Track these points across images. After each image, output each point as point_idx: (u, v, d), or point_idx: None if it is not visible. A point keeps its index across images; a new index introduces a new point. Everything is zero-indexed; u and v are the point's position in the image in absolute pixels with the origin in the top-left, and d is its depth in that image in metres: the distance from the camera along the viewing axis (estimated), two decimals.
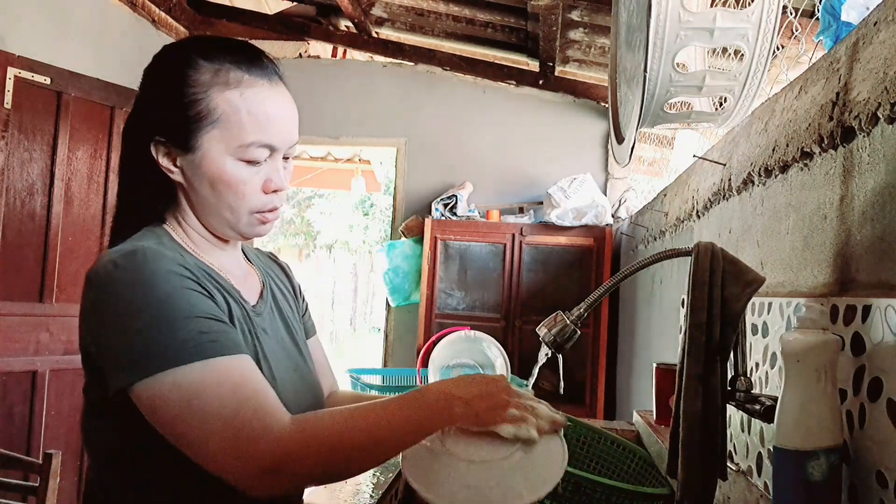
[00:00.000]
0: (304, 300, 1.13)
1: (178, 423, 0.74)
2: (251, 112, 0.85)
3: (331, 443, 0.75)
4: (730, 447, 1.07)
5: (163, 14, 3.63)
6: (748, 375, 0.86)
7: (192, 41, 0.91)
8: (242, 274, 0.98)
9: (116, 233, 0.91)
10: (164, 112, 0.86)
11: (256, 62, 0.89)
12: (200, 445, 0.73)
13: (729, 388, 0.85)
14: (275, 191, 0.89)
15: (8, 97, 2.69)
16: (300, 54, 4.03)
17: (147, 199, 0.90)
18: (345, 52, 4.31)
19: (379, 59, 3.91)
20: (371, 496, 1.08)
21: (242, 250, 1.02)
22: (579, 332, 0.92)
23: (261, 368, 0.86)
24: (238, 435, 0.72)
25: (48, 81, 2.83)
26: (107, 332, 0.77)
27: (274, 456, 0.72)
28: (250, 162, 0.86)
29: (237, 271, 0.96)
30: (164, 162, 0.87)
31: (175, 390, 0.74)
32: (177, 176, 0.88)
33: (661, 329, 2.12)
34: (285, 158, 0.92)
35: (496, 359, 2.88)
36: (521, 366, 3.18)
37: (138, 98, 0.90)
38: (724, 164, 1.32)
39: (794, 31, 1.31)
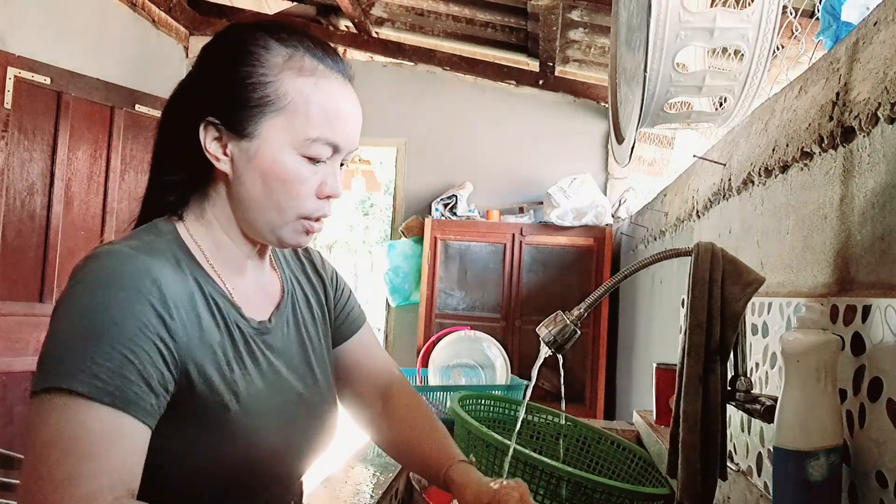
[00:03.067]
0: (340, 289, 1.02)
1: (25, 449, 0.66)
2: (322, 105, 0.78)
3: None
4: (730, 447, 1.07)
5: (163, 14, 3.63)
6: (748, 375, 0.86)
7: (263, 22, 0.82)
8: (258, 284, 0.88)
9: (141, 220, 0.83)
10: (223, 91, 0.77)
11: (332, 54, 0.82)
12: (21, 481, 0.65)
13: (729, 388, 0.85)
14: (328, 196, 0.82)
15: (8, 97, 2.69)
16: None
17: (177, 188, 0.82)
18: (345, 52, 4.30)
19: (379, 59, 3.91)
20: (371, 496, 1.08)
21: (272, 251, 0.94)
22: (579, 332, 0.92)
23: (237, 398, 0.77)
24: (34, 493, 0.63)
25: (48, 81, 2.83)
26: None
27: None
28: (311, 160, 0.79)
29: (252, 283, 0.87)
30: (211, 147, 0.78)
31: (33, 416, 0.65)
32: (223, 165, 0.79)
33: (661, 329, 2.12)
34: (340, 165, 0.84)
35: (496, 359, 2.87)
36: (521, 366, 3.18)
37: (192, 76, 0.82)
38: (724, 164, 1.32)
39: (794, 31, 1.31)
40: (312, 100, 0.78)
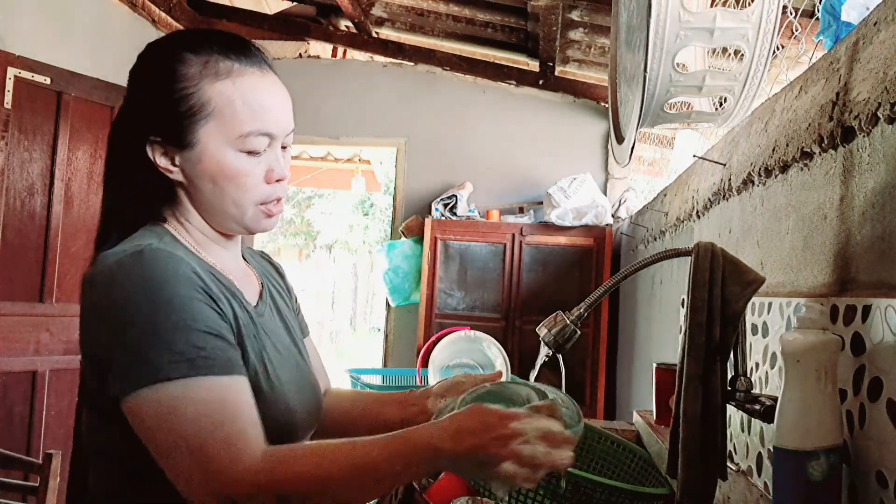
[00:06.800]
0: (296, 300, 1.11)
1: (154, 437, 0.74)
2: (245, 101, 0.84)
3: (303, 479, 0.73)
4: (730, 447, 1.07)
5: (163, 14, 3.63)
6: (748, 375, 0.86)
7: (175, 36, 0.89)
8: (242, 274, 0.96)
9: (105, 237, 0.87)
10: (156, 110, 0.84)
11: (244, 51, 0.87)
12: (171, 463, 0.73)
13: (729, 388, 0.85)
14: (278, 180, 0.88)
15: (8, 97, 2.69)
16: (300, 54, 4.03)
17: (144, 201, 0.88)
18: (345, 52, 4.30)
19: (379, 59, 3.91)
20: None
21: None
22: (579, 332, 0.92)
23: (265, 370, 0.85)
24: (205, 459, 0.71)
25: (48, 81, 2.83)
26: (107, 337, 0.76)
27: (237, 487, 0.71)
28: (250, 153, 0.85)
29: (238, 272, 0.94)
30: (161, 162, 0.85)
31: (155, 404, 0.73)
32: (176, 175, 0.86)
33: (661, 329, 2.12)
34: (283, 148, 0.90)
35: (496, 359, 2.88)
36: (521, 366, 3.18)
37: (127, 99, 0.89)
38: (724, 164, 1.32)
39: (794, 31, 1.31)
40: (235, 99, 0.84)
